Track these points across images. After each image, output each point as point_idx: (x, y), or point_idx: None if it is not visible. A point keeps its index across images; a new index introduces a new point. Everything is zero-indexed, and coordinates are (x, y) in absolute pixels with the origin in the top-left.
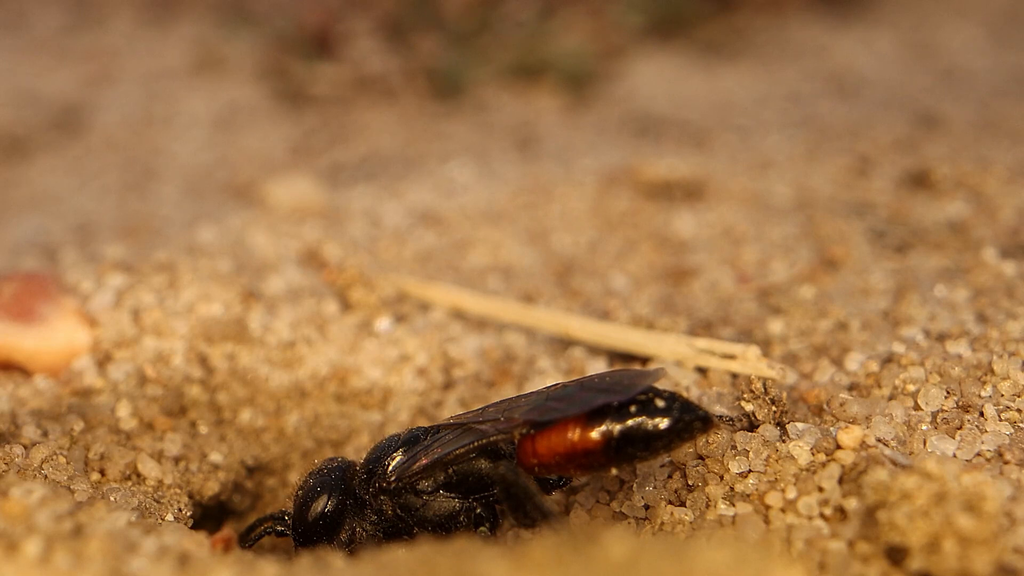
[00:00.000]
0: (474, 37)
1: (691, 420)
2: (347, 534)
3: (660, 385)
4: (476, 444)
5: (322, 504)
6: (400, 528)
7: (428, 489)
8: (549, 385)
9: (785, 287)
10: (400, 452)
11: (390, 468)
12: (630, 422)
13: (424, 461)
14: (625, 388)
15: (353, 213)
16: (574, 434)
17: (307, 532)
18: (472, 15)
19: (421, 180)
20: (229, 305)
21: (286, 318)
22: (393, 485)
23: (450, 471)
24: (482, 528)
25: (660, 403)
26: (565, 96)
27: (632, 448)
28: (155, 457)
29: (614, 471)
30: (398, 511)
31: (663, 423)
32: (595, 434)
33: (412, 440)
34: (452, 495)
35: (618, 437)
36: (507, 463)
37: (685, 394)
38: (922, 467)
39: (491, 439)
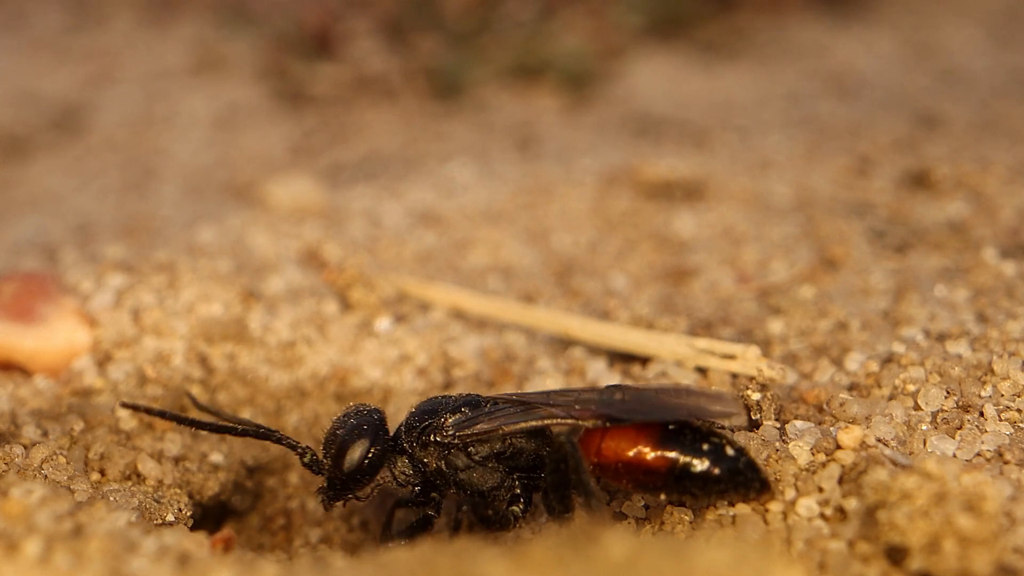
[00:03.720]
0: (474, 37)
1: (751, 479)
2: (377, 483)
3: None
4: (543, 423)
5: (364, 448)
6: (435, 484)
7: (479, 454)
8: (610, 386)
9: (785, 287)
10: (463, 410)
11: (450, 422)
12: (696, 459)
13: (486, 426)
14: (705, 414)
15: (353, 213)
16: (644, 448)
17: (346, 477)
18: (472, 15)
19: (421, 180)
20: (229, 305)
21: (286, 318)
22: (448, 439)
23: (507, 442)
24: (515, 508)
25: (730, 451)
26: (565, 96)
27: (690, 483)
28: (155, 457)
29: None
30: (442, 466)
31: (726, 471)
32: (662, 456)
33: (473, 403)
34: (499, 466)
35: (681, 467)
36: (571, 436)
37: None
38: (922, 467)
39: (561, 422)
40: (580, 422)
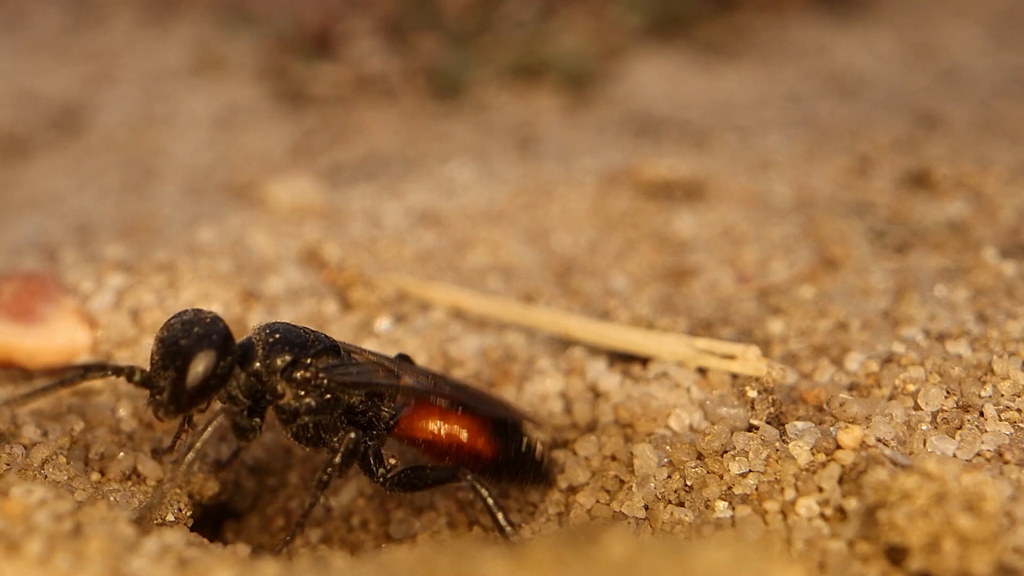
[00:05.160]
0: (474, 37)
1: (544, 476)
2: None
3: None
4: (398, 388)
5: (211, 361)
6: (263, 411)
7: (333, 400)
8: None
9: (785, 287)
10: (330, 356)
11: (320, 363)
12: (513, 451)
13: (357, 379)
14: (523, 416)
15: (353, 213)
16: (474, 434)
17: (191, 390)
18: (472, 15)
19: (421, 180)
20: (229, 305)
21: (286, 318)
22: (314, 378)
23: (358, 398)
24: (341, 448)
25: (539, 450)
26: (565, 96)
27: (501, 472)
28: (155, 457)
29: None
30: (290, 400)
31: (532, 466)
32: (491, 446)
33: (335, 349)
34: (342, 418)
35: (503, 460)
36: (478, 482)
37: (686, 395)
38: (922, 467)
39: (422, 395)
40: (436, 400)
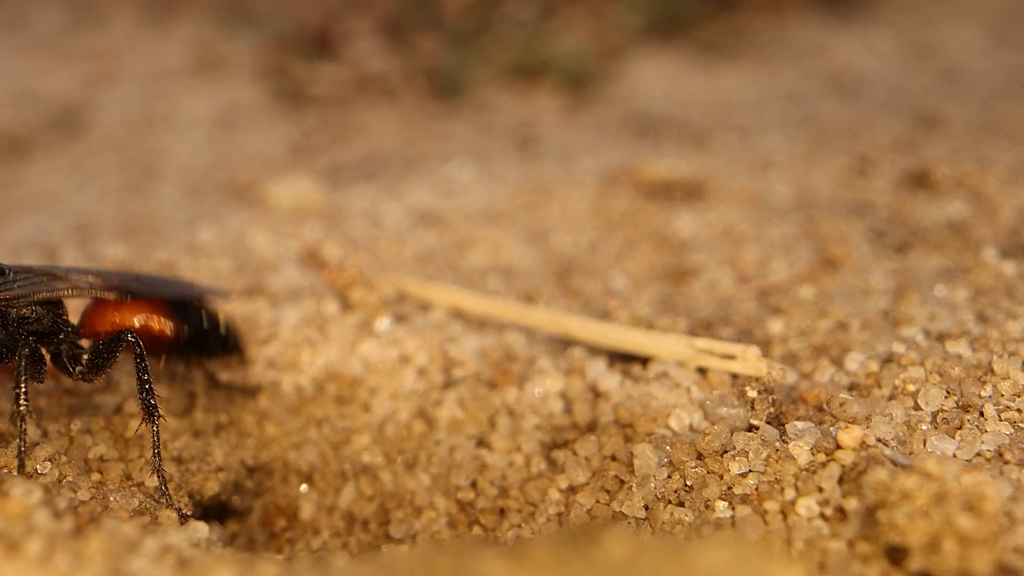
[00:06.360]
0: (474, 37)
1: (235, 349)
2: None
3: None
4: (65, 292)
5: None
6: None
7: None
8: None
9: (785, 287)
10: None
11: None
12: (196, 325)
13: (6, 294)
14: (200, 292)
15: (353, 213)
16: (154, 318)
17: None
18: (472, 15)
19: (421, 180)
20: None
21: (286, 318)
22: None
23: (30, 308)
24: (27, 364)
25: (221, 322)
26: (565, 96)
27: (189, 350)
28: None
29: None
30: None
31: (219, 336)
32: (170, 326)
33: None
34: (19, 329)
35: (187, 337)
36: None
37: (686, 395)
38: (922, 467)
39: (79, 294)
40: (99, 293)
